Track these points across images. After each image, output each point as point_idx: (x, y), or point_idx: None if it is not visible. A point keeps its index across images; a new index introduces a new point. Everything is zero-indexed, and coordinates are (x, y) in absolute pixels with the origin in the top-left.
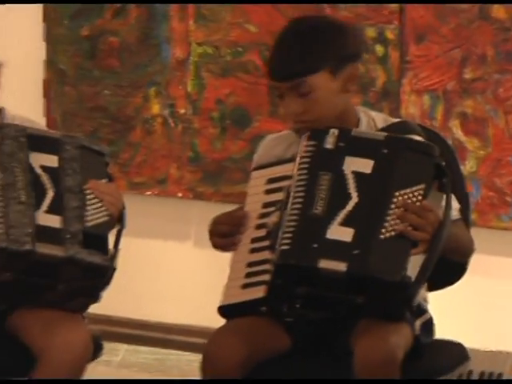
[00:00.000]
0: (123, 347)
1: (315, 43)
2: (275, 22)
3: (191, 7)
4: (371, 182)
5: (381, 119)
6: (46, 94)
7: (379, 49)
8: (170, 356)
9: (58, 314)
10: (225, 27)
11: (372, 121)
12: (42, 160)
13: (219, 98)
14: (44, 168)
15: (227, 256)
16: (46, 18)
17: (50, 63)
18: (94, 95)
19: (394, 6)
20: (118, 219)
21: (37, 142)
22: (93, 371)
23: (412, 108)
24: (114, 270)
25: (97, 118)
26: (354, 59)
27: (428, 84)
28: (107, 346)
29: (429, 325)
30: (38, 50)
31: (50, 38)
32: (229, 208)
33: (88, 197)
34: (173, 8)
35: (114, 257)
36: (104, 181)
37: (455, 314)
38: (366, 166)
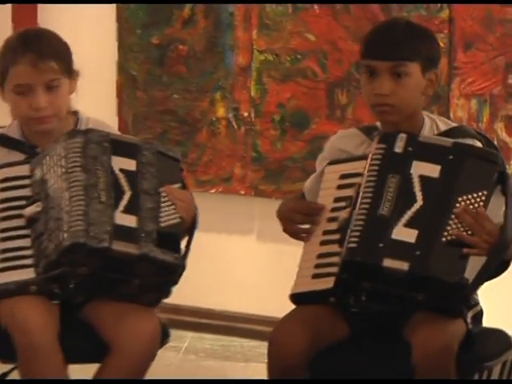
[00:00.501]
0: (189, 334)
1: (416, 36)
2: (333, 32)
3: (255, 17)
4: (436, 186)
5: (442, 123)
6: (119, 97)
7: None
8: (233, 343)
9: (130, 305)
10: (285, 36)
11: (434, 124)
12: (121, 163)
13: (280, 102)
14: (123, 171)
15: (287, 249)
16: (120, 27)
17: (122, 69)
18: (164, 99)
19: (444, 16)
20: (190, 224)
21: (118, 146)
22: (161, 357)
23: (460, 111)
24: (183, 268)
25: (166, 120)
26: (435, 65)
27: (475, 89)
28: (174, 333)
29: (479, 316)
30: (111, 57)
31: (123, 46)
32: None
33: (162, 199)
34: (237, 18)
35: (184, 256)
36: (177, 185)
37: (496, 301)
38: (433, 170)
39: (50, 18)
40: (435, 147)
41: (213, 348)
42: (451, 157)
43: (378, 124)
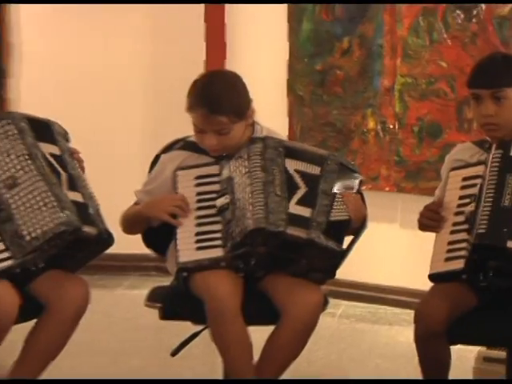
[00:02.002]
0: (344, 303)
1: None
2: (461, 60)
3: (399, 48)
4: None
5: None
6: (289, 113)
7: None
8: (379, 310)
9: (300, 280)
10: (423, 63)
11: None
12: (297, 166)
13: (419, 116)
14: (299, 171)
15: (424, 235)
16: (291, 56)
17: (292, 90)
18: (325, 114)
19: None
20: (358, 225)
21: (293, 152)
22: (320, 321)
23: None
24: (344, 256)
25: (326, 131)
26: None
27: None
28: (332, 301)
29: None
30: (283, 81)
31: (293, 72)
32: (425, 199)
33: (337, 200)
34: (386, 49)
35: (347, 249)
36: (353, 191)
37: None
38: None
39: (236, 19)
40: None
41: (362, 314)
42: None
43: (488, 138)
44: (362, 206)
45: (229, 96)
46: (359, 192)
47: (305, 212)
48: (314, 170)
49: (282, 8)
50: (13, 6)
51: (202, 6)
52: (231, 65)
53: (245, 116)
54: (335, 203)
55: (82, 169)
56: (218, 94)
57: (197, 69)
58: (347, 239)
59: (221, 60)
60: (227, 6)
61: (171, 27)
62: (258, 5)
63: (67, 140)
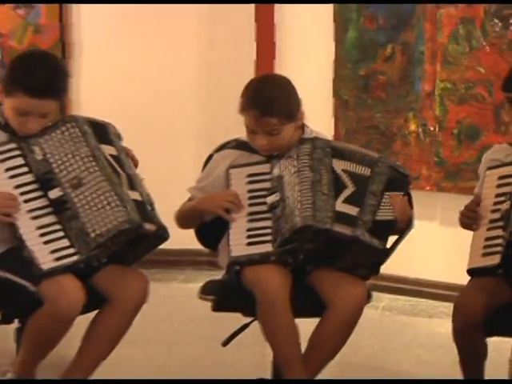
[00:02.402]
0: (386, 296)
1: None
2: (498, 65)
3: (440, 55)
4: None
5: None
6: (335, 116)
7: None
8: (419, 303)
9: (345, 275)
10: (462, 69)
11: None
12: (345, 166)
13: (458, 119)
14: (347, 171)
15: (463, 231)
16: (336, 63)
17: (337, 95)
18: (369, 117)
19: None
20: (404, 226)
21: (340, 153)
22: (364, 313)
23: None
24: (387, 255)
25: (370, 133)
26: None
27: None
28: (375, 295)
29: None
30: (329, 86)
31: (338, 77)
32: (463, 198)
33: (384, 200)
34: (427, 55)
35: (392, 247)
36: (400, 193)
37: None
38: None
39: (284, 20)
40: None
41: (403, 307)
42: None
43: None
44: (409, 207)
45: (279, 99)
46: (407, 194)
47: (352, 210)
48: (364, 171)
49: (328, 14)
50: (74, 7)
51: (253, 6)
52: (280, 66)
53: (294, 118)
54: (382, 204)
55: (136, 165)
56: (269, 97)
57: (248, 69)
58: (392, 238)
59: (270, 60)
60: (276, 7)
61: (223, 28)
62: (305, 6)
63: (120, 140)
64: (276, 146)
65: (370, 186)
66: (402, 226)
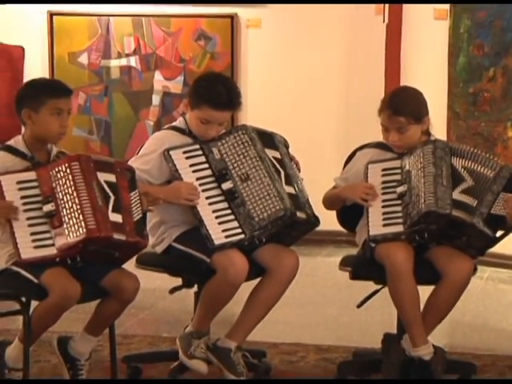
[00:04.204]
0: (489, 269)
1: None
2: None
3: None
4: None
5: None
6: (448, 125)
7: None
8: None
9: (457, 251)
10: None
11: None
12: (466, 163)
13: None
14: (466, 168)
15: None
16: (449, 83)
17: (450, 108)
18: (475, 126)
19: None
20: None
21: (459, 152)
22: (472, 282)
23: None
24: (495, 242)
25: (476, 139)
26: None
27: None
28: (480, 268)
29: None
30: (444, 102)
31: (451, 94)
32: None
33: (499, 199)
34: None
35: (500, 238)
36: None
37: None
38: None
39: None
40: None
41: (504, 277)
42: None
43: None
44: None
45: (409, 103)
46: None
47: (469, 201)
48: (487, 171)
49: (444, 42)
50: (243, 37)
51: (384, 26)
52: (404, 83)
53: (420, 121)
54: (497, 201)
55: (299, 170)
56: (400, 100)
57: (379, 86)
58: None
59: (397, 78)
60: (403, 30)
61: (360, 40)
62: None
63: (287, 147)
64: (405, 143)
65: (492, 185)
66: (510, 224)
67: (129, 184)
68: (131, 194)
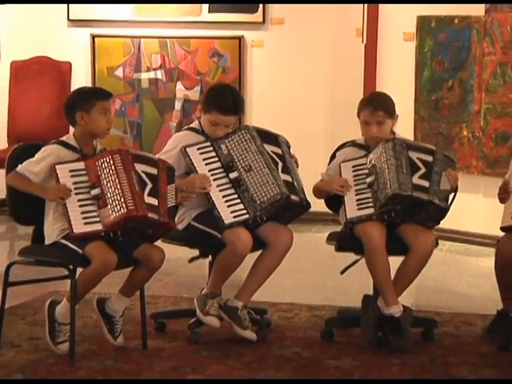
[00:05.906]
0: (448, 243)
1: None
2: None
3: (484, 86)
4: None
5: None
6: (415, 127)
7: None
8: (471, 247)
9: (421, 227)
10: (499, 96)
11: None
12: (418, 155)
13: (495, 128)
14: (419, 158)
15: (497, 202)
16: (416, 91)
17: (416, 112)
18: (436, 127)
19: None
20: (455, 189)
21: (413, 146)
22: (433, 254)
23: None
24: (448, 210)
25: (437, 138)
26: None
27: None
28: (440, 242)
29: None
30: (411, 106)
31: (417, 101)
32: (499, 180)
33: (443, 178)
34: (475, 87)
35: (449, 205)
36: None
37: None
38: None
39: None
40: None
41: (460, 250)
42: None
43: None
44: (457, 177)
45: (385, 101)
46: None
47: (424, 183)
48: (428, 158)
49: (411, 59)
50: (248, 55)
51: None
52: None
53: (393, 117)
54: (442, 178)
55: (297, 165)
56: (379, 99)
57: (358, 89)
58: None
59: (373, 82)
60: (379, 48)
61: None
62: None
63: (288, 147)
64: (381, 135)
65: (434, 167)
66: (454, 189)
67: (167, 178)
68: (168, 187)
